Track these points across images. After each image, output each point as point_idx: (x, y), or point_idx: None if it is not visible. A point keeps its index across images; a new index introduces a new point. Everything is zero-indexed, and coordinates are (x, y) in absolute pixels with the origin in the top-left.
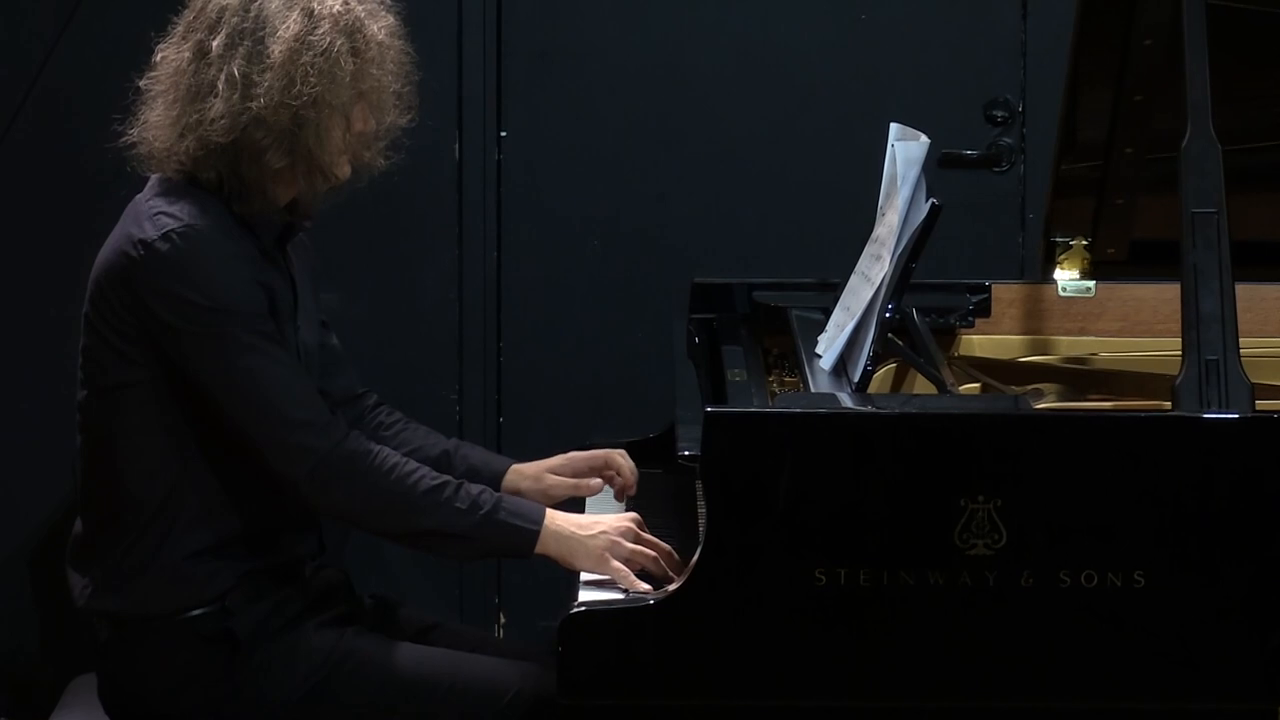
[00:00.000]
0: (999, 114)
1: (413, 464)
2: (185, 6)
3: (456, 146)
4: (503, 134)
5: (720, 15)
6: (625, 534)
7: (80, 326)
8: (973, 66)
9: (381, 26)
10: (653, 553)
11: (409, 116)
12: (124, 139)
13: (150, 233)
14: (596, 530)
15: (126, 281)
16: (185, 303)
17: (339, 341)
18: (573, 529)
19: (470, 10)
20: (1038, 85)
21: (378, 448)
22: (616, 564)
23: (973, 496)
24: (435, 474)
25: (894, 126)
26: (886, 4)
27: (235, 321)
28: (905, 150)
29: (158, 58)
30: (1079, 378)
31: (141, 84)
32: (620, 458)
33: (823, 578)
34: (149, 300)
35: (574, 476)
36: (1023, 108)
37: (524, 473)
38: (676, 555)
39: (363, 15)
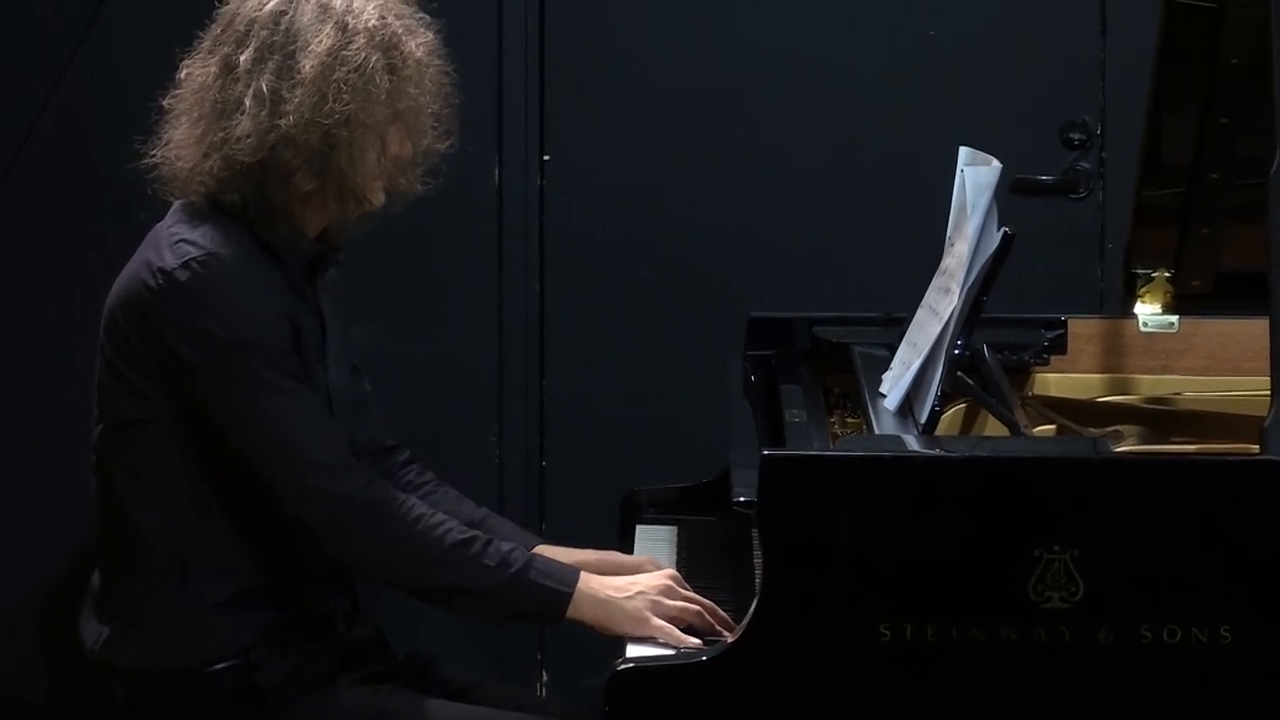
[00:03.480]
0: (1076, 136)
1: (440, 516)
2: (211, 20)
3: (496, 171)
4: (545, 158)
5: (776, 34)
6: (666, 592)
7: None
8: (1047, 86)
9: (420, 44)
10: (697, 607)
11: (448, 141)
12: (145, 160)
13: (170, 261)
14: (634, 591)
15: (143, 313)
16: (204, 334)
17: (370, 388)
18: (610, 592)
19: (511, 26)
20: (1117, 106)
21: (403, 496)
22: (659, 623)
23: (1048, 546)
24: (464, 528)
25: (963, 150)
26: (955, 21)
27: (256, 356)
28: (975, 175)
29: (182, 74)
30: (1162, 419)
31: (165, 103)
32: (651, 564)
33: (888, 632)
34: (166, 332)
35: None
36: (1101, 130)
37: (554, 555)
38: (722, 610)
39: (400, 31)
